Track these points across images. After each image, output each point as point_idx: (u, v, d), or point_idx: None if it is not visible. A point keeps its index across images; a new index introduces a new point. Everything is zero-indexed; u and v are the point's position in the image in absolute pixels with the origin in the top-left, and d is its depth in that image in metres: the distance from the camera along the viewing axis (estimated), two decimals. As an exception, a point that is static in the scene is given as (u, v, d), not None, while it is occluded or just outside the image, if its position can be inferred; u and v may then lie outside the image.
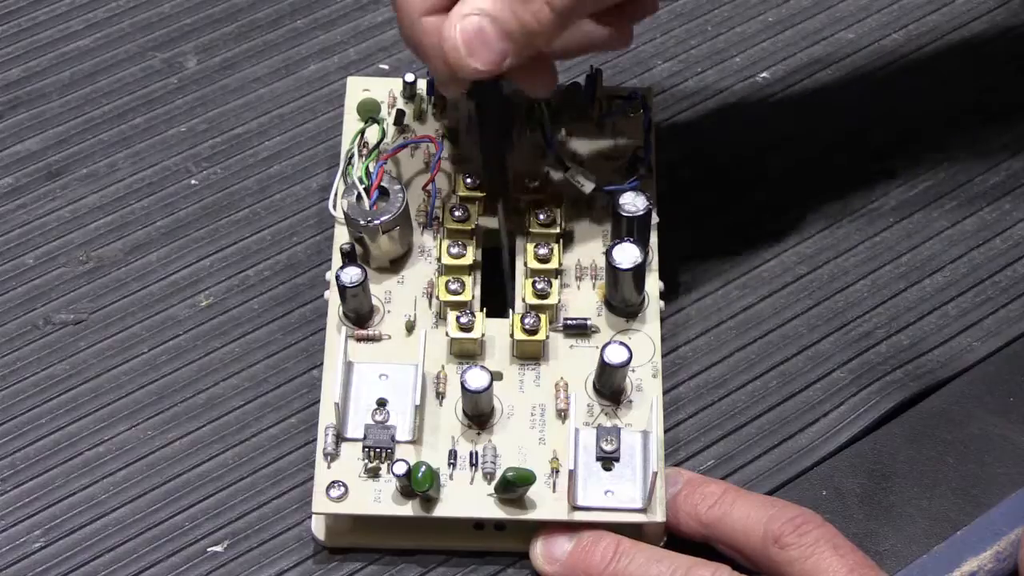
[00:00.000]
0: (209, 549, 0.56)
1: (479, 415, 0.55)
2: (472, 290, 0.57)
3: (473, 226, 0.58)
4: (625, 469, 0.54)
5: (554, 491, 0.54)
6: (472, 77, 0.52)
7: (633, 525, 0.54)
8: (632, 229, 0.57)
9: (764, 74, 0.68)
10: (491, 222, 0.60)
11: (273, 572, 0.55)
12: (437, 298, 0.57)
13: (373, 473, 0.54)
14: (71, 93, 0.67)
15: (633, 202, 0.57)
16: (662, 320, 0.58)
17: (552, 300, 0.57)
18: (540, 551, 0.54)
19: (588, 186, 0.59)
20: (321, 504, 0.54)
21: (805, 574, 0.51)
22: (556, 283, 0.57)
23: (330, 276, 0.58)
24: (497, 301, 0.58)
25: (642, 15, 0.56)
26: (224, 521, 0.56)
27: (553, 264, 0.58)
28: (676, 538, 0.55)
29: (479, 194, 0.59)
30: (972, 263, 0.63)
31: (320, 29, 0.69)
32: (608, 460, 0.54)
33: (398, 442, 0.55)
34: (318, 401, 0.56)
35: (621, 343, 0.55)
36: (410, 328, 0.57)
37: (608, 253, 0.56)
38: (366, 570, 0.55)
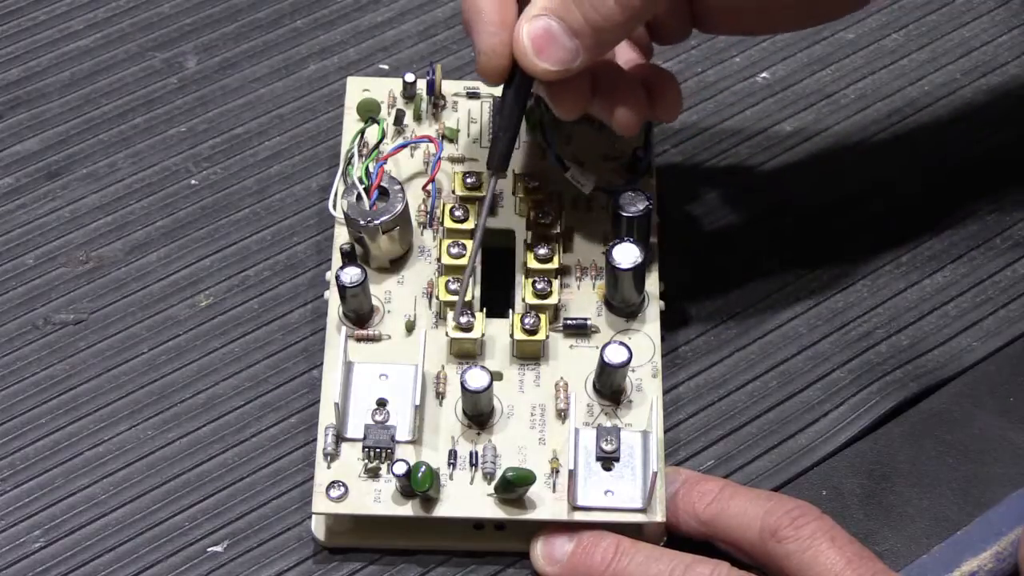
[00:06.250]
0: (209, 549, 0.56)
1: (479, 415, 0.55)
2: (472, 290, 0.57)
3: (473, 226, 0.58)
4: (625, 469, 0.54)
5: (554, 491, 0.54)
6: (544, 79, 0.52)
7: (633, 525, 0.54)
8: (632, 229, 0.57)
9: (764, 74, 0.68)
10: (491, 222, 0.60)
11: (273, 572, 0.55)
12: (437, 298, 0.57)
13: (373, 473, 0.54)
14: (71, 93, 0.67)
15: (633, 202, 0.57)
16: (662, 320, 0.58)
17: (552, 300, 0.57)
18: (540, 552, 0.54)
19: (588, 186, 0.59)
20: (321, 504, 0.54)
21: (803, 566, 0.51)
22: (556, 283, 0.57)
23: (330, 276, 0.58)
24: (498, 300, 0.58)
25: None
26: (224, 521, 0.56)
27: (553, 264, 0.58)
28: (677, 538, 0.55)
29: (479, 193, 0.59)
30: (972, 263, 0.63)
31: (320, 29, 0.69)
32: (608, 460, 0.54)
33: (398, 442, 0.55)
34: (318, 401, 0.56)
35: (621, 343, 0.55)
36: (410, 328, 0.57)
37: (608, 253, 0.56)
38: (366, 570, 0.55)
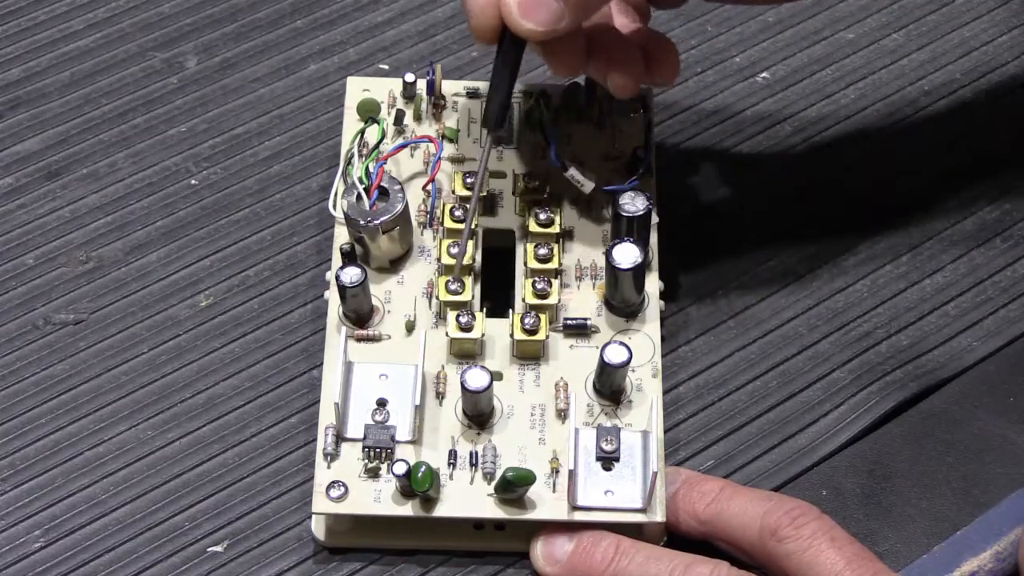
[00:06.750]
0: (209, 549, 0.56)
1: (479, 415, 0.55)
2: (472, 290, 0.57)
3: (473, 226, 0.58)
4: (625, 469, 0.54)
5: (554, 491, 0.54)
6: (531, 39, 0.52)
7: (633, 525, 0.54)
8: (632, 229, 0.57)
9: (764, 74, 0.68)
10: (491, 222, 0.60)
11: (273, 572, 0.55)
12: (437, 298, 0.57)
13: (373, 473, 0.54)
14: (71, 93, 0.67)
15: (633, 202, 0.57)
16: (662, 320, 0.58)
17: (552, 300, 0.57)
18: (540, 552, 0.54)
19: (588, 186, 0.59)
20: (321, 504, 0.54)
21: (803, 567, 0.51)
22: (556, 283, 0.57)
23: (330, 276, 0.58)
24: (498, 300, 0.58)
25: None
26: (224, 521, 0.56)
27: (553, 264, 0.58)
28: (677, 538, 0.55)
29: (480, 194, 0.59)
30: (972, 263, 0.63)
31: (320, 29, 0.69)
32: (608, 460, 0.54)
33: (398, 442, 0.55)
34: (318, 401, 0.56)
35: (621, 343, 0.55)
36: (410, 328, 0.57)
37: (608, 253, 0.56)
38: (366, 570, 0.55)
